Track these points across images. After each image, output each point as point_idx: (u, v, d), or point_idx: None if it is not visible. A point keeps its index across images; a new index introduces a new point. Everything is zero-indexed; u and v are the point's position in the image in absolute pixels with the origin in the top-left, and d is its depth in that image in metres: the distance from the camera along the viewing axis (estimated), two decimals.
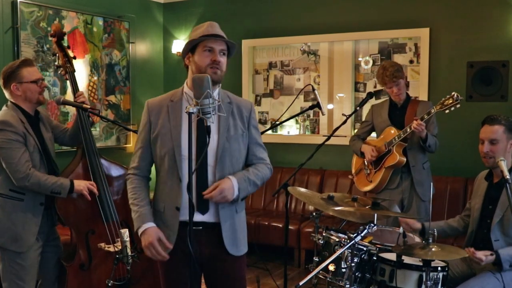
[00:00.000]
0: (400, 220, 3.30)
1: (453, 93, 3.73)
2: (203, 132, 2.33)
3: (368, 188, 4.21)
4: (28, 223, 3.15)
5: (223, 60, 2.42)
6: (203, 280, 2.62)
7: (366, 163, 4.22)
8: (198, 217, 2.42)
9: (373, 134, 4.36)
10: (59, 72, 3.68)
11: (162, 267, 2.54)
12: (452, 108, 3.74)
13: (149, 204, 2.51)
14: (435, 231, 2.75)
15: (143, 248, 2.44)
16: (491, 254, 2.89)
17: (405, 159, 3.99)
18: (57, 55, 3.62)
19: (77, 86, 3.60)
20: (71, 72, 3.57)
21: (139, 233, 2.45)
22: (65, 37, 3.75)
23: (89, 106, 3.41)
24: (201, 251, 2.44)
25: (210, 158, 2.43)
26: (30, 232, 3.16)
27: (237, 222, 2.52)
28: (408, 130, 3.87)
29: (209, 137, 2.21)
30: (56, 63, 3.66)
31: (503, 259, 2.90)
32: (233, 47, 2.48)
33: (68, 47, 3.68)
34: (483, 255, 2.86)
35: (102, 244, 3.32)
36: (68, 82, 3.90)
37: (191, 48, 2.43)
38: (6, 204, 3.14)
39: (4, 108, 3.22)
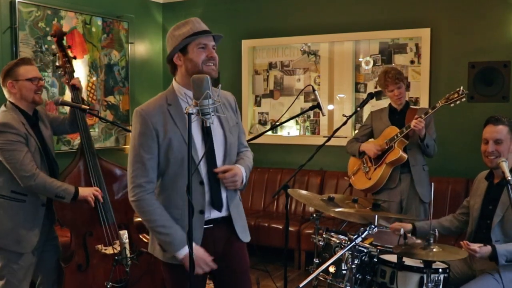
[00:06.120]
0: (390, 228, 3.29)
1: (458, 88, 3.79)
2: (208, 131, 2.36)
3: (367, 185, 4.17)
4: (31, 224, 3.16)
5: (216, 55, 2.44)
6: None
7: (365, 161, 4.21)
8: (214, 214, 2.44)
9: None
10: (58, 72, 3.69)
11: (172, 270, 2.47)
12: (458, 102, 3.80)
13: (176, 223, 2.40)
14: (436, 231, 2.75)
15: (197, 269, 2.32)
16: (484, 245, 2.90)
17: (406, 156, 3.99)
18: (57, 55, 3.63)
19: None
20: (70, 73, 3.57)
21: (181, 256, 2.35)
22: (65, 37, 3.74)
23: (87, 107, 3.42)
24: (216, 248, 2.46)
25: (219, 154, 2.43)
26: (33, 233, 3.17)
27: (241, 211, 2.57)
28: (410, 127, 3.89)
29: (209, 138, 2.21)
30: (56, 63, 3.67)
31: (499, 253, 2.90)
32: (219, 39, 2.50)
33: (69, 47, 3.69)
34: (477, 247, 2.88)
35: (100, 246, 3.33)
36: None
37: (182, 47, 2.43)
38: (9, 205, 3.14)
39: (2, 108, 3.21)
